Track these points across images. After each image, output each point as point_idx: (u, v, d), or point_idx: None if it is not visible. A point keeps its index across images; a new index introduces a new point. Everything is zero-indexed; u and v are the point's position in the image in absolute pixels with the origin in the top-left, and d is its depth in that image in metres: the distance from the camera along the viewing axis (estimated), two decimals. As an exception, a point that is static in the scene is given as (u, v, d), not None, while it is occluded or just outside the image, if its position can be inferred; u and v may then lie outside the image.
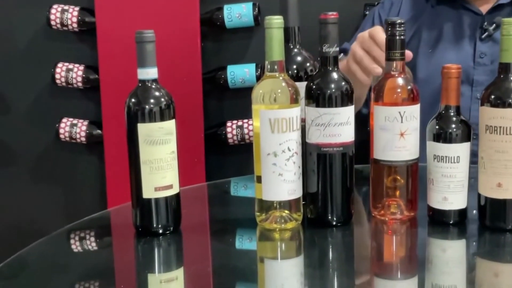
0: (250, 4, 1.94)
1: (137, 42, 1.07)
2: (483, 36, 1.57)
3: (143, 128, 1.06)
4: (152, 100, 1.07)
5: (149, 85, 1.08)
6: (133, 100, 1.07)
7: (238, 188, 1.17)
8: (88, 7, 2.01)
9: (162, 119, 1.07)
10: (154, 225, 1.09)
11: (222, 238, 1.13)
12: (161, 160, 1.07)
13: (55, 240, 1.15)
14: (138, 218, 1.10)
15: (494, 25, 1.56)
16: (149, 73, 1.07)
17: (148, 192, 1.08)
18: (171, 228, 1.10)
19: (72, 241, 1.17)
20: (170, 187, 1.09)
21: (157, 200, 1.08)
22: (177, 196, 1.11)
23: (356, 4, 1.95)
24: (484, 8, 1.60)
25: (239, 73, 1.97)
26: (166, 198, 1.09)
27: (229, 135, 1.96)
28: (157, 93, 1.07)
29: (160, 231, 1.09)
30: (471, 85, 1.56)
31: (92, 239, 1.20)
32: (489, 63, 1.55)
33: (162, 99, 1.07)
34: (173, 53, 1.91)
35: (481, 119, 1.07)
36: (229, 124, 1.96)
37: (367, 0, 1.93)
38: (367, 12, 1.89)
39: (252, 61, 1.97)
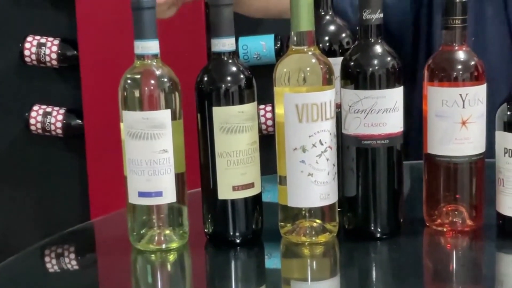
0: (266, -40, 1.93)
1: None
2: None
3: (219, 113, 1.07)
4: (229, 78, 1.08)
5: (225, 59, 1.09)
6: (205, 78, 1.08)
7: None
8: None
9: (242, 101, 1.07)
10: (231, 233, 1.10)
11: (238, 254, 1.13)
12: (241, 153, 1.07)
13: (28, 259, 1.16)
14: (211, 225, 1.12)
15: None
16: (226, 44, 1.09)
17: (224, 192, 1.09)
18: (250, 236, 1.12)
19: (47, 259, 1.18)
20: (251, 185, 1.09)
21: (234, 201, 1.09)
22: (259, 197, 1.12)
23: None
24: None
25: (254, 46, 1.97)
26: (246, 200, 1.10)
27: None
28: (234, 69, 1.08)
29: (238, 240, 1.11)
30: None
31: (73, 257, 1.20)
32: None
33: (242, 76, 1.08)
34: (173, 23, 1.91)
35: None
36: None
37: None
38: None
39: (270, 32, 1.97)
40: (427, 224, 1.15)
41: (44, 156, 2.17)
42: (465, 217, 1.13)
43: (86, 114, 2.05)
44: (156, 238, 1.11)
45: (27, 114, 2.09)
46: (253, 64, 1.97)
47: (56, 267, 1.17)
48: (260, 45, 1.97)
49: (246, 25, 2.00)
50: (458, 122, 1.10)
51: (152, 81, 1.09)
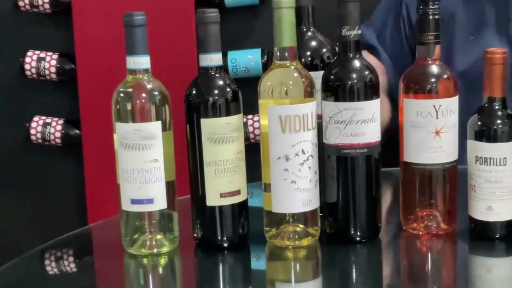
0: (253, -21, 1.93)
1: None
2: None
3: (207, 124, 1.06)
4: (217, 91, 1.07)
5: (213, 73, 1.08)
6: (194, 91, 1.07)
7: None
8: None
9: (229, 113, 1.07)
10: (219, 237, 1.09)
11: (225, 258, 1.12)
12: (228, 162, 1.07)
13: (27, 263, 1.15)
14: (200, 230, 1.11)
15: None
16: (213, 59, 1.08)
17: (212, 199, 1.08)
18: (237, 240, 1.11)
19: (47, 262, 1.17)
20: (237, 192, 1.09)
21: (221, 208, 1.08)
22: (245, 203, 1.11)
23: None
24: None
25: (242, 60, 1.96)
26: (233, 206, 1.09)
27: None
28: (221, 83, 1.08)
29: (225, 245, 1.10)
30: None
31: (71, 260, 1.19)
32: None
33: (229, 89, 1.08)
34: (164, 38, 1.90)
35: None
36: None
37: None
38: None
39: (257, 46, 1.96)
40: (404, 228, 1.15)
41: (44, 164, 2.14)
42: (439, 221, 1.13)
43: (83, 125, 2.03)
44: (148, 242, 1.10)
45: (27, 124, 2.06)
46: (241, 77, 1.95)
47: (55, 270, 1.16)
48: (248, 59, 1.96)
49: (235, 40, 2.00)
50: (432, 132, 1.09)
51: (144, 95, 1.08)
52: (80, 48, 1.99)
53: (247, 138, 1.96)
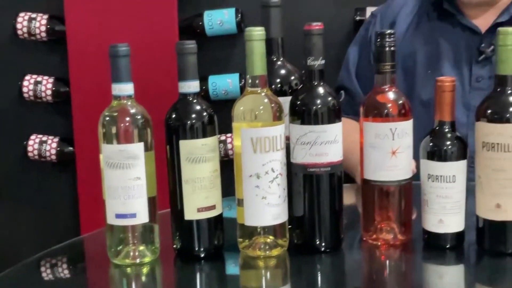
0: (232, 10, 1.95)
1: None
2: (480, 59, 1.56)
3: (185, 145, 1.07)
4: (194, 115, 1.08)
5: (190, 99, 1.09)
6: (174, 115, 1.08)
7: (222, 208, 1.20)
8: (57, 14, 2.01)
9: (205, 135, 1.08)
10: (196, 248, 1.10)
11: (202, 267, 1.13)
12: (204, 179, 1.08)
13: (25, 270, 1.15)
14: (179, 241, 1.12)
15: (492, 47, 1.52)
16: (191, 86, 1.09)
17: (190, 213, 1.09)
18: (213, 251, 1.11)
19: (43, 269, 1.17)
20: (213, 207, 1.10)
21: (199, 221, 1.09)
22: (220, 217, 1.12)
23: (346, 8, 1.97)
24: (483, 25, 1.58)
25: (222, 83, 1.98)
26: (209, 220, 1.10)
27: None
28: (199, 107, 1.09)
29: (202, 255, 1.11)
30: (468, 110, 1.55)
31: (64, 269, 1.20)
32: (486, 88, 1.51)
33: (205, 114, 1.09)
34: (149, 66, 1.92)
35: (477, 136, 1.08)
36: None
37: (358, 4, 1.95)
38: (357, 18, 1.91)
39: (236, 71, 1.98)
40: (364, 239, 1.16)
41: (41, 178, 2.15)
42: (396, 232, 1.13)
43: (76, 142, 2.04)
44: (131, 253, 1.10)
45: (25, 142, 2.07)
46: (221, 99, 1.98)
47: (50, 276, 1.16)
48: (227, 83, 1.97)
49: (215, 65, 2.02)
50: (389, 152, 1.11)
51: (127, 118, 1.09)
52: (74, 73, 2.00)
53: (226, 155, 1.97)
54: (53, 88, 2.03)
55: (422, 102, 1.58)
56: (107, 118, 1.09)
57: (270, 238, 1.11)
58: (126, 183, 1.08)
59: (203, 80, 1.99)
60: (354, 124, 1.42)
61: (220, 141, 1.99)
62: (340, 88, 1.72)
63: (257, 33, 1.08)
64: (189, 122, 1.08)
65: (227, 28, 1.96)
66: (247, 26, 1.92)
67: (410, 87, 1.61)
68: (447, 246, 1.11)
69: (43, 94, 2.03)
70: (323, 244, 1.12)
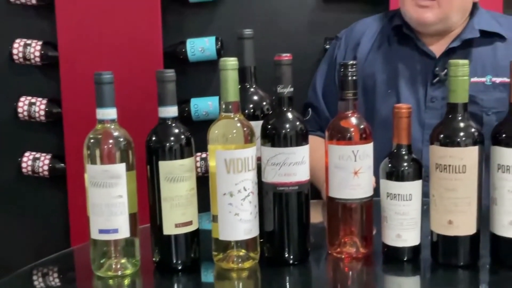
0: (212, 38, 1.97)
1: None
2: (434, 81, 1.59)
3: (164, 166, 1.07)
4: (172, 138, 1.08)
5: (170, 123, 1.10)
6: (154, 137, 1.08)
7: (203, 222, 1.19)
8: (50, 41, 2.02)
9: (183, 156, 1.08)
10: (174, 261, 1.10)
11: (180, 278, 1.13)
12: (182, 197, 1.08)
13: (19, 279, 1.15)
14: (158, 254, 1.11)
15: (446, 70, 1.55)
16: (170, 111, 1.09)
17: (168, 229, 1.09)
18: (189, 264, 1.11)
19: (35, 278, 1.17)
20: (190, 223, 1.10)
21: (176, 236, 1.09)
22: (196, 232, 1.12)
23: (316, 37, 1.99)
24: (438, 50, 1.61)
25: (203, 105, 1.99)
26: (186, 235, 1.10)
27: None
28: (177, 131, 1.09)
29: (180, 267, 1.11)
30: (423, 128, 1.58)
31: (54, 278, 1.19)
32: (439, 108, 1.55)
33: (183, 137, 1.09)
34: (133, 91, 1.92)
35: (431, 158, 1.09)
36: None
37: (327, 34, 1.97)
38: (327, 46, 1.93)
39: (216, 94, 1.99)
40: (329, 252, 1.17)
41: (34, 193, 2.14)
42: (359, 246, 1.14)
43: (68, 159, 2.04)
44: (114, 266, 1.10)
45: (20, 159, 2.06)
46: (202, 119, 1.99)
47: (42, 285, 1.15)
48: (208, 105, 1.98)
49: (196, 89, 2.03)
50: (351, 172, 1.12)
51: (111, 141, 1.09)
52: (66, 95, 2.00)
53: (207, 171, 1.97)
54: (46, 109, 2.03)
55: (381, 118, 1.60)
56: (92, 141, 1.09)
57: (243, 252, 1.11)
58: (109, 200, 1.08)
59: (186, 102, 1.99)
60: (319, 141, 1.44)
61: (202, 158, 1.99)
62: (307, 106, 1.74)
63: (230, 63, 1.09)
64: (168, 144, 1.09)
65: (208, 55, 1.97)
66: (226, 52, 1.95)
67: (371, 104, 1.63)
68: (405, 259, 1.12)
69: (37, 115, 2.03)
70: (292, 257, 1.13)
